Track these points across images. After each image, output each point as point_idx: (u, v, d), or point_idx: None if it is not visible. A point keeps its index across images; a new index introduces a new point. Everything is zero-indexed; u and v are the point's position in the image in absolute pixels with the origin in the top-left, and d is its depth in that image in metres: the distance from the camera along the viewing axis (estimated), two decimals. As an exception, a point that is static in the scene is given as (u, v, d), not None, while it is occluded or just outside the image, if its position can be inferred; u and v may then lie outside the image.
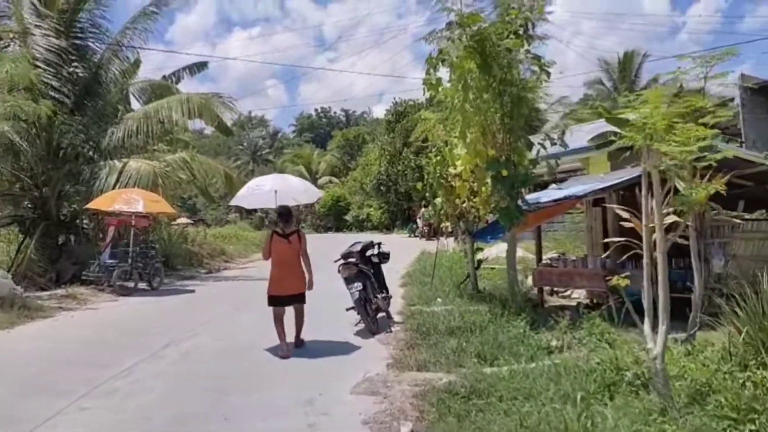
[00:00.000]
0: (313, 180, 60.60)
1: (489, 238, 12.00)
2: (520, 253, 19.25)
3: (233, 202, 10.84)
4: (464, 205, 11.21)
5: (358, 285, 9.06)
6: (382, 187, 44.95)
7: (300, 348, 8.21)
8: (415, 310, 10.42)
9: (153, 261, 15.31)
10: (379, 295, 9.57)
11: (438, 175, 11.53)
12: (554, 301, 12.35)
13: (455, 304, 10.96)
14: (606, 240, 8.09)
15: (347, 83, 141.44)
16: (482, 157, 9.36)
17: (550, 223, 19.33)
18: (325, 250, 11.51)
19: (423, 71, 9.64)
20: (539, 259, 11.97)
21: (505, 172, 9.11)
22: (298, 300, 8.15)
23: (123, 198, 14.45)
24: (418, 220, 36.76)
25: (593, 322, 7.53)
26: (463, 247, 20.63)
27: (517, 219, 9.26)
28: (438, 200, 12.00)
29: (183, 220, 38.94)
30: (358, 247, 9.97)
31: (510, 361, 6.70)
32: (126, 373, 7.11)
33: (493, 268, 14.72)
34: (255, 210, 70.11)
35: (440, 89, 9.67)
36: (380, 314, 9.74)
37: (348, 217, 53.66)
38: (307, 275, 8.10)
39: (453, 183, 11.28)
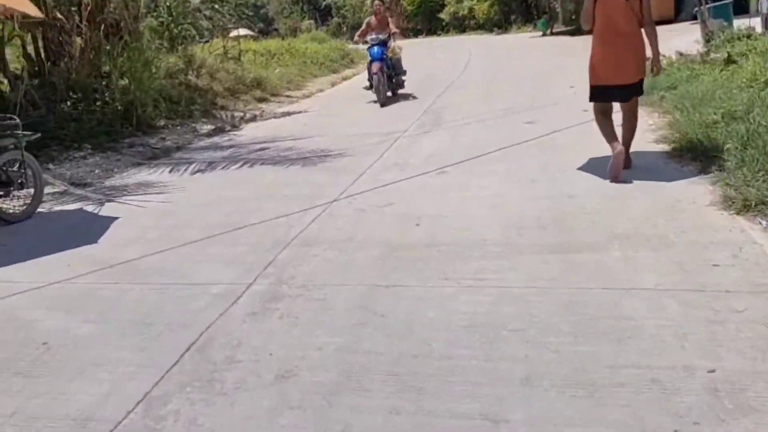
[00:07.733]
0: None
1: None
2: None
3: None
4: None
5: None
6: (493, -33, 32.62)
7: (628, 170, 5.01)
8: None
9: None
10: None
11: None
12: None
13: None
14: None
15: None
16: None
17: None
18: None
19: None
20: None
21: None
22: (633, 93, 5.13)
23: None
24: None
25: None
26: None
27: None
28: None
29: (238, 32, 28.49)
30: None
31: None
32: None
33: None
34: (330, 13, 58.18)
35: None
36: None
37: (443, 15, 42.12)
38: (652, 51, 5.11)
39: None
